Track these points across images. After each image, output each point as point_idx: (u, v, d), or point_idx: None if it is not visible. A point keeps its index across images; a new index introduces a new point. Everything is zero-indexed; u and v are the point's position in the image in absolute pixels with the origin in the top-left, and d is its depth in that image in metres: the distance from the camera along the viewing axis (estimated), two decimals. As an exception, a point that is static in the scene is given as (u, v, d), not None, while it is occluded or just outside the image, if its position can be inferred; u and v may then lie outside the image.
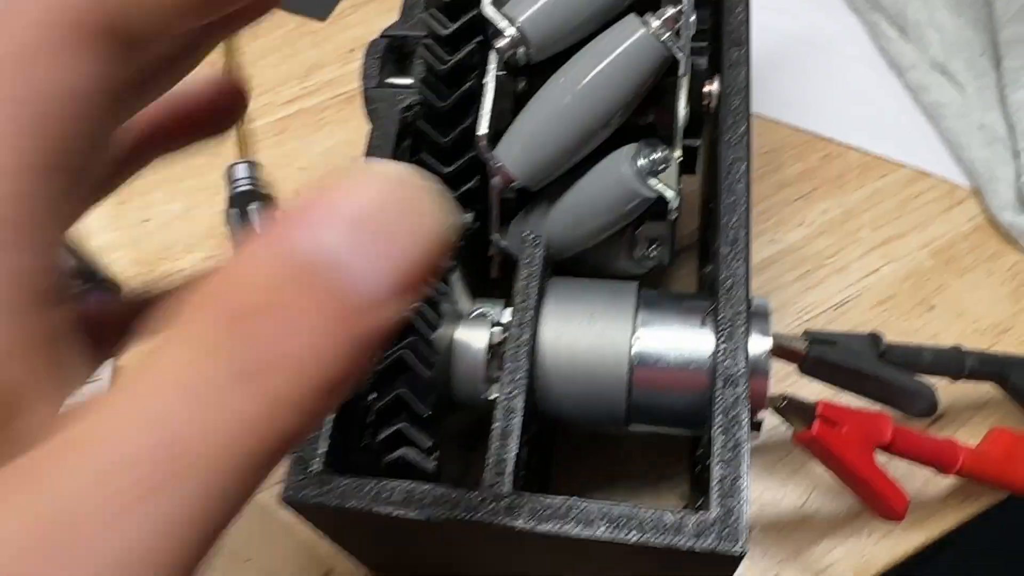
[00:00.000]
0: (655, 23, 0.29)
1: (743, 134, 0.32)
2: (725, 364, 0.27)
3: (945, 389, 0.35)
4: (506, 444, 0.27)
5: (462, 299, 0.32)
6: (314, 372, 0.12)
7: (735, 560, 0.25)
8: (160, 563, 0.11)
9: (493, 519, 0.26)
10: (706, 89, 0.33)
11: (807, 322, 0.40)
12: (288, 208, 0.12)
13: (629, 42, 0.28)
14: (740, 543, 0.25)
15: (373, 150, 0.33)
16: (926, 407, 0.32)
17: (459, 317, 0.32)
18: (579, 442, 0.37)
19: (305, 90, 0.51)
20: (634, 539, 0.25)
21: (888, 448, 0.31)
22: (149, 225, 0.48)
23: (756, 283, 0.41)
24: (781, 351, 0.32)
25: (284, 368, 0.12)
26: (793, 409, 0.30)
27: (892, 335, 0.39)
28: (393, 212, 0.12)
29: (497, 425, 0.27)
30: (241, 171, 0.46)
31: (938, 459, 0.32)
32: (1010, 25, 0.42)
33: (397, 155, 0.33)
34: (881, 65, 0.47)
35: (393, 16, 0.53)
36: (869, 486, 0.30)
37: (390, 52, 0.35)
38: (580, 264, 0.33)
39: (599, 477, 0.37)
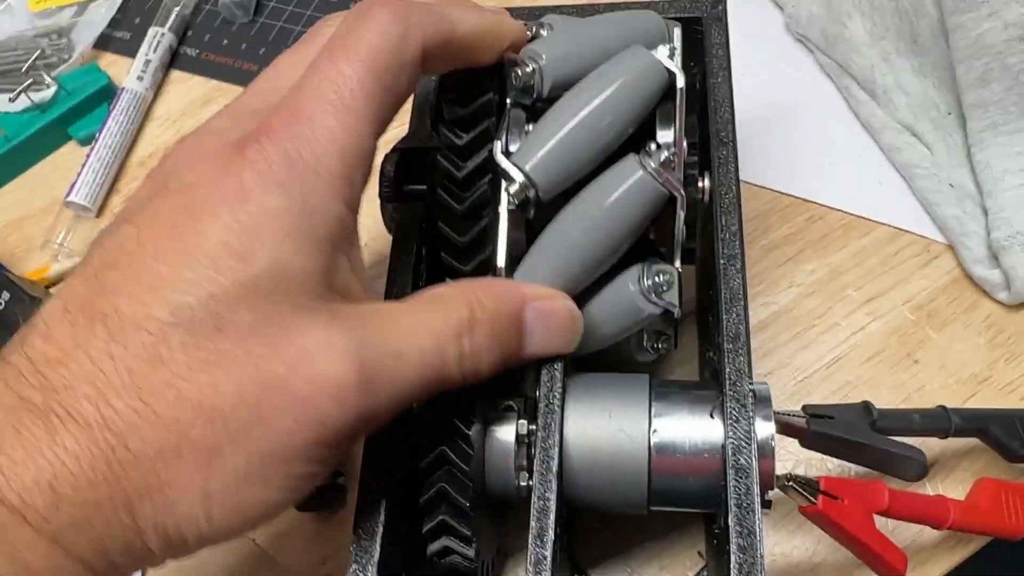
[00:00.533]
0: (652, 164, 0.31)
1: (736, 232, 0.35)
2: (734, 456, 0.30)
3: (933, 442, 0.38)
4: (543, 544, 0.30)
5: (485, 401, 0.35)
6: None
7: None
8: None
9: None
10: (699, 185, 0.36)
11: (802, 381, 0.43)
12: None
13: (629, 183, 0.31)
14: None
15: (398, 263, 0.35)
16: (918, 471, 0.35)
17: (481, 420, 0.34)
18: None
19: (311, 175, 0.54)
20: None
21: (885, 513, 0.34)
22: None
23: (753, 344, 0.43)
24: (784, 429, 0.35)
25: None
26: (798, 486, 0.33)
27: (882, 389, 0.42)
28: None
29: (534, 526, 0.30)
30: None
31: (931, 517, 0.35)
32: (971, 90, 0.45)
33: (418, 266, 0.35)
34: (856, 127, 0.50)
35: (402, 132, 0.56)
36: (872, 551, 0.33)
37: (403, 163, 0.38)
38: (595, 355, 0.36)
39: (620, 542, 0.39)
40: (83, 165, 0.54)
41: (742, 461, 0.30)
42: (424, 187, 0.37)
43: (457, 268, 0.33)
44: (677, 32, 0.36)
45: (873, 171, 0.48)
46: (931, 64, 0.48)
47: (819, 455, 0.37)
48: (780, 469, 0.32)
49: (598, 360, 0.36)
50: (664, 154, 0.31)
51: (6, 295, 0.47)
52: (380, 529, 0.30)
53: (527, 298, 0.30)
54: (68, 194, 0.54)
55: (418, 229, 0.36)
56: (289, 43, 0.59)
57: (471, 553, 0.31)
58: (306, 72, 0.27)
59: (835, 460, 0.39)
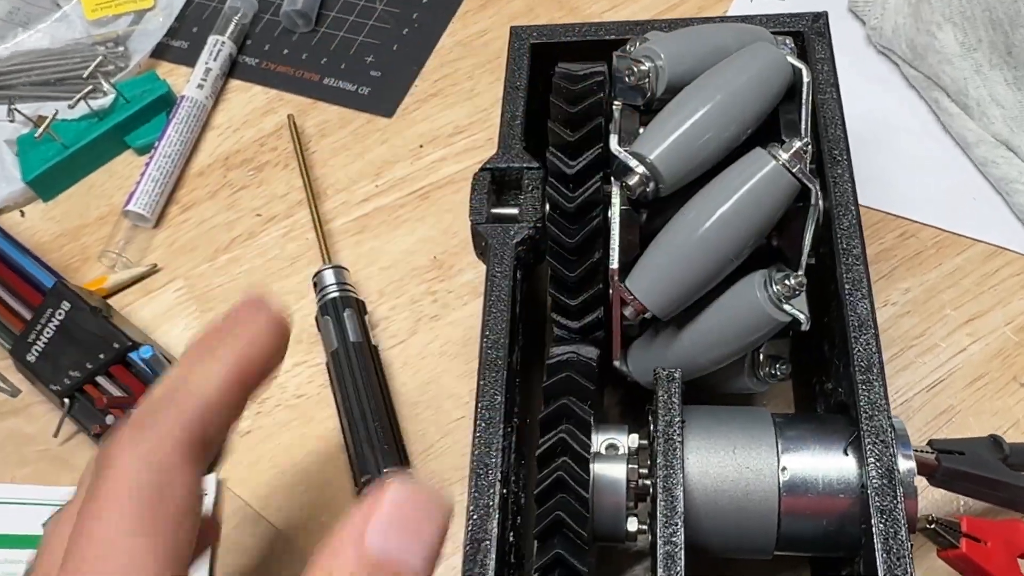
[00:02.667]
0: (784, 155, 0.30)
1: (859, 255, 0.33)
2: (878, 497, 0.28)
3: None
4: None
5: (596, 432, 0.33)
6: None
7: None
8: None
9: None
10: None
11: (903, 404, 0.41)
12: (354, 517, 0.22)
13: (761, 174, 0.29)
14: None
15: (493, 288, 0.34)
16: (1055, 509, 0.33)
17: (598, 449, 0.33)
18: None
19: (379, 188, 0.52)
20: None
21: None
22: (238, 333, 0.49)
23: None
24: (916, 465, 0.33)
25: None
26: (940, 528, 0.31)
27: (985, 415, 0.40)
28: (418, 515, 0.22)
29: (661, 573, 0.28)
30: (329, 277, 0.47)
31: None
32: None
33: (515, 291, 0.34)
34: (947, 141, 0.48)
35: (455, 111, 0.55)
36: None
37: (493, 184, 0.36)
38: (699, 383, 0.35)
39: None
40: (142, 174, 0.53)
41: (887, 503, 0.28)
42: (515, 210, 0.35)
43: (564, 276, 0.32)
44: (789, 40, 0.34)
45: (967, 186, 0.47)
46: (1026, 76, 0.46)
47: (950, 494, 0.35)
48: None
49: (701, 389, 0.34)
50: (797, 144, 0.30)
51: (66, 305, 0.46)
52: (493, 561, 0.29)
53: (356, 533, 0.22)
54: (127, 203, 0.52)
55: (514, 252, 0.35)
56: (352, 54, 0.58)
57: (588, 594, 0.30)
58: (70, 549, 0.24)
59: (962, 499, 0.37)
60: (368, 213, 0.52)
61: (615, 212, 0.31)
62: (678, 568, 0.28)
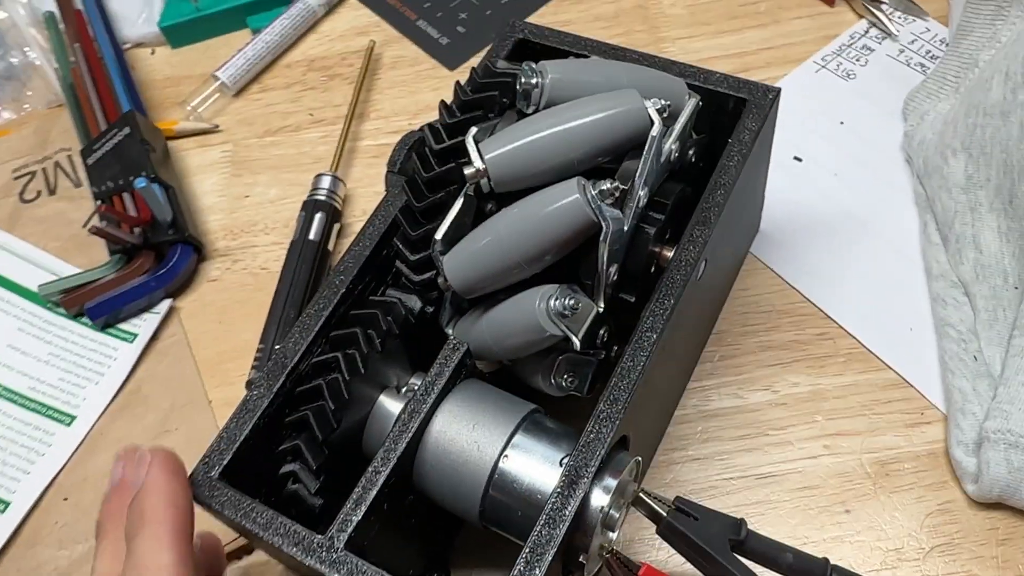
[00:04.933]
0: (591, 191, 0.33)
1: (665, 315, 0.35)
2: (554, 507, 0.32)
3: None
4: (357, 509, 0.33)
5: (402, 372, 0.38)
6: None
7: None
8: None
9: (318, 566, 0.32)
10: (658, 250, 0.37)
11: (726, 480, 0.43)
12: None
13: (562, 201, 0.33)
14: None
15: (368, 226, 0.39)
16: (753, 605, 0.34)
17: (395, 387, 0.38)
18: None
19: (411, 126, 0.58)
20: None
21: (701, 626, 0.34)
22: (247, 201, 0.57)
23: (700, 427, 0.44)
24: (644, 508, 0.35)
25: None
26: (619, 563, 0.34)
27: (795, 523, 0.41)
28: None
29: (356, 491, 0.33)
30: (325, 182, 0.54)
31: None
32: (1039, 271, 0.42)
33: (384, 235, 0.39)
34: (916, 266, 0.47)
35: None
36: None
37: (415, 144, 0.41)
38: (511, 371, 0.38)
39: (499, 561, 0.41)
40: (239, 50, 0.62)
41: (557, 514, 0.31)
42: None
43: (407, 233, 0.36)
44: (692, 102, 0.36)
45: (910, 315, 0.46)
46: (1018, 232, 0.44)
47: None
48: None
49: (518, 380, 0.38)
50: (606, 185, 0.32)
51: (127, 130, 0.56)
52: (249, 428, 0.35)
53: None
54: (218, 69, 0.61)
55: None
56: (451, 6, 0.64)
57: (313, 487, 0.35)
58: None
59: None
60: (390, 144, 0.57)
61: (462, 195, 0.35)
62: (371, 493, 0.33)
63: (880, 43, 0.56)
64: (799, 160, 0.52)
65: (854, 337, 0.46)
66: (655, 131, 0.33)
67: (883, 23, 0.56)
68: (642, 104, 0.34)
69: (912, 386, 0.44)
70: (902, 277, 0.47)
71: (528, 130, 0.34)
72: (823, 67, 0.55)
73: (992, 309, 0.44)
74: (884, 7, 0.57)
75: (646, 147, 0.33)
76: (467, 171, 0.34)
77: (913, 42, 0.55)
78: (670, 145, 0.36)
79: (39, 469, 0.47)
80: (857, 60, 0.55)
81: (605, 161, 0.35)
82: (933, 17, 0.57)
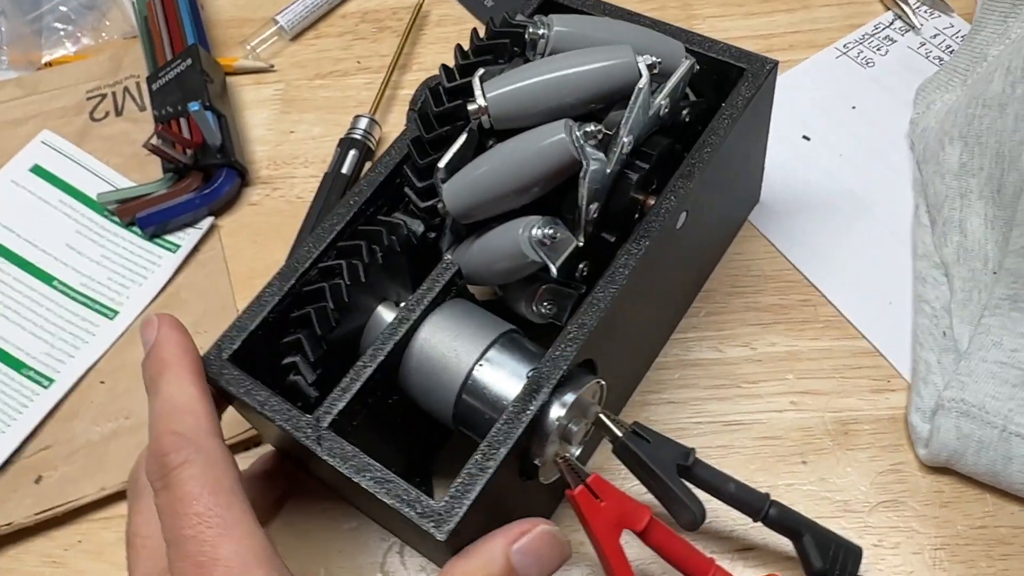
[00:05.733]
0: (576, 132, 0.36)
1: (633, 262, 0.38)
2: (514, 411, 0.35)
3: (758, 530, 0.40)
4: (343, 396, 0.37)
5: (402, 289, 0.42)
6: None
7: (437, 541, 0.34)
8: None
9: (304, 440, 0.36)
10: (641, 197, 0.40)
11: (695, 424, 0.46)
12: (509, 532, 0.33)
13: (549, 140, 0.36)
14: (443, 531, 0.33)
15: (385, 155, 0.43)
16: (688, 520, 0.37)
17: (394, 301, 0.42)
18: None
19: (445, 78, 0.62)
20: (383, 497, 0.34)
21: (642, 536, 0.37)
22: (292, 136, 0.62)
23: (678, 374, 0.47)
24: (603, 428, 0.39)
25: None
26: (571, 470, 0.37)
27: (753, 468, 0.44)
28: (551, 552, 0.34)
29: (344, 381, 0.37)
30: (362, 123, 0.58)
31: (688, 566, 0.38)
32: (1015, 256, 0.44)
33: (398, 165, 0.43)
34: (905, 246, 0.49)
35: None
36: (606, 558, 0.37)
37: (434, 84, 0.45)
38: (501, 298, 0.42)
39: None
40: (299, -2, 0.67)
41: (515, 417, 0.35)
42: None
43: (415, 161, 0.40)
44: (686, 63, 0.39)
45: (891, 291, 0.48)
46: (1003, 220, 0.46)
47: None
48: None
49: (508, 310, 0.42)
50: (590, 127, 0.36)
51: (189, 61, 0.61)
52: (258, 321, 0.39)
53: (506, 545, 0.33)
54: (278, 13, 0.66)
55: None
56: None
57: (311, 378, 0.39)
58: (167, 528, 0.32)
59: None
60: (427, 94, 0.62)
61: (465, 129, 0.39)
62: (357, 384, 0.37)
63: (903, 35, 0.58)
64: (807, 139, 0.54)
65: (834, 306, 0.48)
66: (642, 83, 0.37)
67: (908, 16, 0.58)
68: (633, 59, 0.37)
69: (883, 355, 0.46)
70: (890, 256, 0.49)
71: (527, 74, 0.37)
72: (844, 54, 0.58)
73: (968, 290, 0.46)
74: (912, 0, 0.58)
75: (632, 97, 0.37)
76: (470, 107, 0.38)
77: (935, 36, 0.57)
78: (660, 100, 0.39)
79: (82, 354, 0.53)
80: (878, 49, 0.57)
81: (598, 108, 0.38)
82: (959, 14, 0.58)
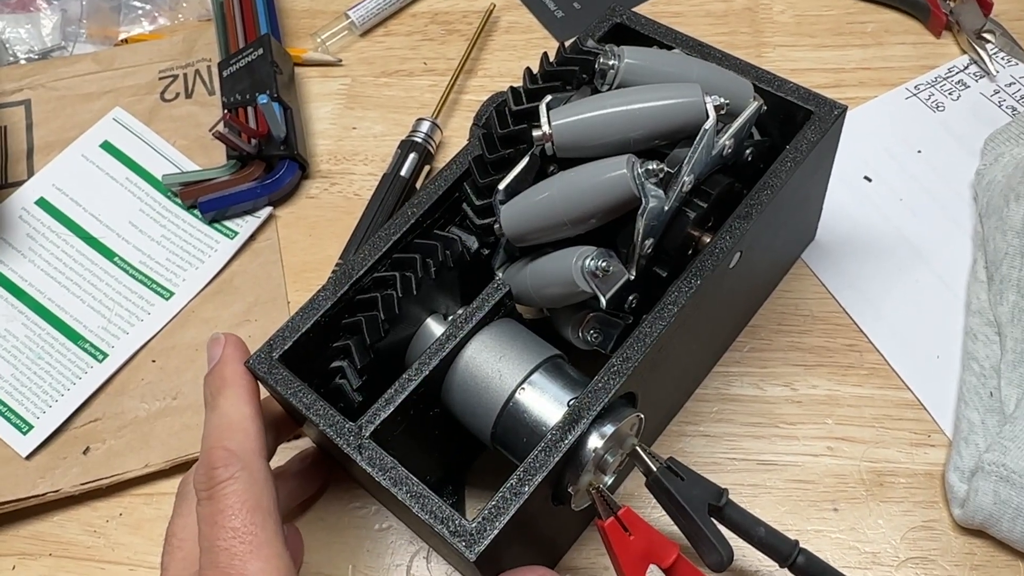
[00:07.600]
0: (638, 168, 0.36)
1: (686, 295, 0.38)
2: (553, 438, 0.36)
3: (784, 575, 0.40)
4: (387, 407, 0.38)
5: (451, 303, 0.43)
6: None
7: (469, 561, 0.34)
8: None
9: (345, 448, 0.37)
10: (696, 234, 0.40)
11: (731, 459, 0.46)
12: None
13: (610, 174, 0.36)
14: (474, 552, 0.34)
15: (446, 169, 0.44)
16: (715, 562, 0.38)
17: (442, 313, 0.43)
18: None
19: (510, 87, 0.62)
20: (417, 512, 0.35)
21: (667, 572, 0.38)
22: (354, 132, 0.63)
23: (716, 407, 0.47)
24: (639, 461, 0.39)
25: None
26: (603, 501, 0.38)
27: (782, 511, 0.44)
28: None
29: (388, 392, 0.38)
30: (424, 126, 0.59)
31: (710, 607, 0.38)
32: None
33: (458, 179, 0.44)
34: (959, 300, 0.49)
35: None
36: (631, 591, 0.37)
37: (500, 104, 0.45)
38: (549, 322, 0.43)
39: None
40: (372, -6, 0.67)
41: (553, 444, 0.36)
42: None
43: (476, 181, 0.41)
44: (754, 104, 0.39)
45: (940, 344, 0.48)
46: (1064, 283, 0.46)
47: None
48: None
49: (554, 332, 0.42)
50: (652, 165, 0.36)
51: (260, 51, 0.62)
52: (310, 324, 0.40)
53: None
54: (350, 9, 0.67)
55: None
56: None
57: (356, 383, 0.40)
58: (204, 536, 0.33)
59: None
60: (490, 101, 0.62)
61: (528, 153, 0.40)
62: (404, 394, 0.38)
63: (977, 80, 0.57)
64: (868, 180, 0.54)
65: (881, 353, 0.48)
66: (708, 124, 0.37)
67: (984, 62, 0.57)
68: (701, 98, 0.37)
69: (926, 409, 0.46)
70: (942, 308, 0.49)
71: (594, 105, 0.37)
72: (914, 95, 0.57)
73: (1020, 352, 0.45)
74: (989, 46, 0.57)
75: (698, 137, 0.37)
76: (535, 133, 0.38)
77: (1010, 85, 0.56)
78: (724, 140, 0.39)
79: (136, 332, 0.54)
80: (950, 94, 0.56)
81: (661, 145, 0.38)
82: (1037, 63, 0.57)
